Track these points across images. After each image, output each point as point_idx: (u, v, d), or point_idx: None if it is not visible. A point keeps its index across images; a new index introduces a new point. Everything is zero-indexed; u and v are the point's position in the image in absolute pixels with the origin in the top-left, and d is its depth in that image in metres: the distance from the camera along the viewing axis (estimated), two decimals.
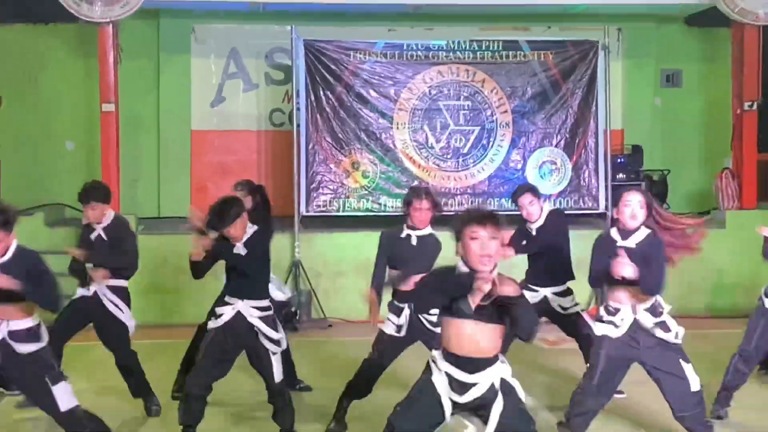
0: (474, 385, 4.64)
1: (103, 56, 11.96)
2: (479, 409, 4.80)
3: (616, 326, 5.97)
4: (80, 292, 7.51)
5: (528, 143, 12.53)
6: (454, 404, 4.73)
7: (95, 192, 7.50)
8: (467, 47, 12.64)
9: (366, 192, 12.38)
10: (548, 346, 10.03)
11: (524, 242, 7.67)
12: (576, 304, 7.69)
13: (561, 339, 9.46)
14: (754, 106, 12.63)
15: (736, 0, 12.14)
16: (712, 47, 14.57)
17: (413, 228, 7.06)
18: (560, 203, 12.57)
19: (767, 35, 12.79)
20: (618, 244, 5.97)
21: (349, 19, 13.84)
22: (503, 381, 4.76)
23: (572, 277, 7.60)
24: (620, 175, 13.01)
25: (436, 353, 4.85)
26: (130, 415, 7.42)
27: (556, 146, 12.51)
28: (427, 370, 4.89)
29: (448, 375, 4.67)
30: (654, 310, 5.95)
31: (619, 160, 13.15)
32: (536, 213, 7.44)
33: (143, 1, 11.65)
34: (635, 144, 13.80)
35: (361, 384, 6.77)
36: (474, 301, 4.53)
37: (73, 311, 7.54)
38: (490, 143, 12.55)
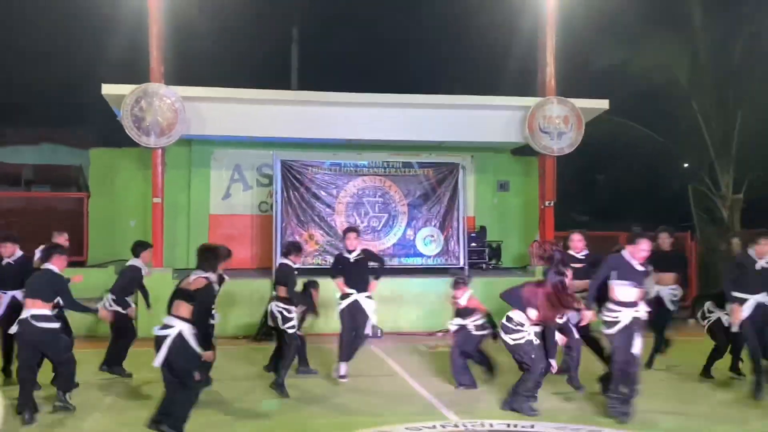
0: None
1: (154, 168, 13.61)
2: None
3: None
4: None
5: (417, 224, 14.58)
6: None
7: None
8: (381, 165, 14.70)
9: (317, 253, 14.13)
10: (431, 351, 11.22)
11: None
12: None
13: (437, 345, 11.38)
14: (551, 204, 14.70)
15: (540, 141, 14.40)
16: (527, 167, 16.35)
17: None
18: (436, 261, 14.46)
19: (559, 160, 14.83)
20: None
21: (309, 147, 15.22)
22: None
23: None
24: (473, 244, 15.03)
25: None
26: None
27: (434, 226, 14.61)
28: None
29: None
30: None
31: (472, 235, 15.14)
32: None
33: (181, 134, 13.46)
34: (482, 225, 15.87)
35: None
36: None
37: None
38: (394, 224, 14.63)
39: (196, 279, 6.62)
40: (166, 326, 6.40)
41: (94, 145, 16.12)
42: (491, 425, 7.01)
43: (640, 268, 7.52)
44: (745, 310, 8.32)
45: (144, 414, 6.70)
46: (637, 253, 7.49)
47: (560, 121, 14.47)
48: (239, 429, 7.16)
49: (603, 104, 14.88)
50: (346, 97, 14.27)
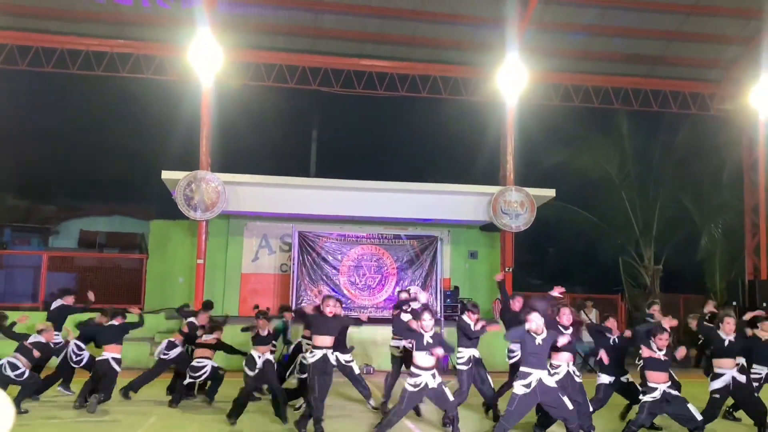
0: None
1: (199, 236, 13.86)
2: None
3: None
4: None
5: (403, 283, 14.36)
6: None
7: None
8: (376, 236, 14.83)
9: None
10: None
11: None
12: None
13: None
14: (510, 270, 14.83)
15: (502, 220, 14.51)
16: (492, 240, 16.54)
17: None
18: None
19: (517, 235, 14.91)
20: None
21: (320, 222, 15.19)
22: None
23: None
24: (448, 300, 14.89)
25: None
26: None
27: (417, 285, 14.44)
28: None
29: None
30: None
31: (447, 293, 15.09)
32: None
33: (222, 210, 13.63)
34: (456, 285, 15.83)
35: None
36: None
37: None
38: (386, 283, 14.68)
39: None
40: None
41: (154, 217, 16.33)
42: None
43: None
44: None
45: None
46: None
47: (517, 205, 14.63)
48: None
49: (551, 192, 15.11)
50: (351, 184, 14.47)
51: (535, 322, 6.48)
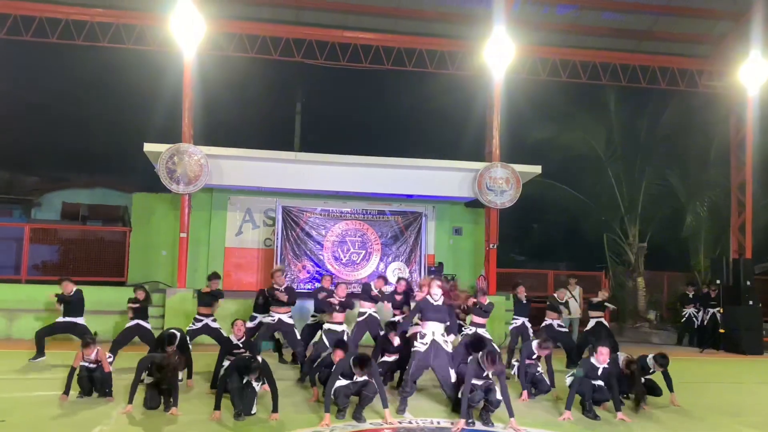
0: None
1: (182, 209, 13.60)
2: None
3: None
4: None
5: (387, 259, 14.51)
6: None
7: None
8: (360, 212, 14.66)
9: (308, 280, 14.06)
10: None
11: None
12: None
13: None
14: (495, 246, 14.75)
15: (487, 196, 14.45)
16: (476, 216, 16.21)
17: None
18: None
19: (502, 212, 14.79)
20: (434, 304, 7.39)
21: (304, 196, 15.00)
22: None
23: None
24: (432, 276, 15.32)
25: None
26: None
27: (401, 261, 14.53)
28: None
29: None
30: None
31: (432, 269, 14.82)
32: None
33: (205, 184, 13.46)
34: (440, 261, 15.58)
35: None
36: None
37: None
38: (370, 259, 14.57)
39: None
40: None
41: (137, 190, 16.01)
42: (438, 422, 6.93)
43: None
44: None
45: None
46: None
47: (503, 182, 14.55)
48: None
49: (537, 169, 14.97)
50: (336, 158, 14.29)
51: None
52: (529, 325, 10.87)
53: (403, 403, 7.34)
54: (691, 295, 15.78)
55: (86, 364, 7.47)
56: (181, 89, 13.78)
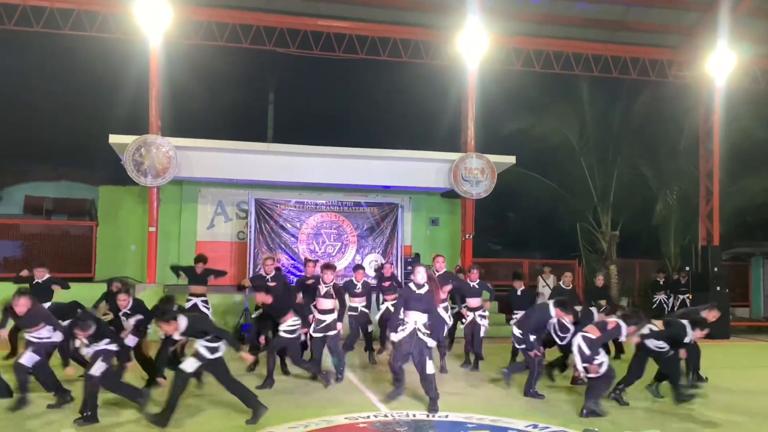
0: None
1: (151, 203, 13.47)
2: None
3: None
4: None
5: (363, 251, 14.37)
6: None
7: None
8: (336, 204, 14.47)
9: (283, 273, 13.11)
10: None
11: None
12: None
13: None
14: (470, 237, 14.89)
15: (463, 187, 14.48)
16: (453, 207, 16.20)
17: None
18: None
19: (478, 202, 14.91)
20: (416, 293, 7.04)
21: (278, 188, 14.81)
22: None
23: None
24: (408, 268, 13.18)
25: None
26: None
27: (378, 253, 14.37)
28: None
29: None
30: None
31: (408, 259, 14.67)
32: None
33: (173, 176, 13.21)
34: (417, 252, 15.58)
35: None
36: None
37: None
38: (346, 251, 14.43)
39: None
40: None
41: (103, 183, 15.67)
42: (414, 415, 6.84)
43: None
44: None
45: None
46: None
47: (478, 172, 14.59)
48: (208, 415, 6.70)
49: (511, 159, 15.03)
50: (310, 149, 14.07)
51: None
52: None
53: (395, 393, 7.38)
54: (661, 282, 15.97)
55: None
56: (148, 79, 13.41)
